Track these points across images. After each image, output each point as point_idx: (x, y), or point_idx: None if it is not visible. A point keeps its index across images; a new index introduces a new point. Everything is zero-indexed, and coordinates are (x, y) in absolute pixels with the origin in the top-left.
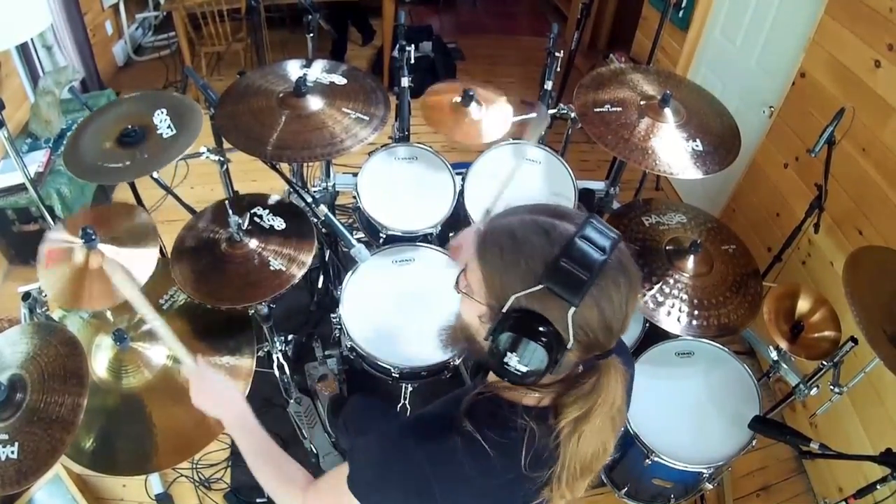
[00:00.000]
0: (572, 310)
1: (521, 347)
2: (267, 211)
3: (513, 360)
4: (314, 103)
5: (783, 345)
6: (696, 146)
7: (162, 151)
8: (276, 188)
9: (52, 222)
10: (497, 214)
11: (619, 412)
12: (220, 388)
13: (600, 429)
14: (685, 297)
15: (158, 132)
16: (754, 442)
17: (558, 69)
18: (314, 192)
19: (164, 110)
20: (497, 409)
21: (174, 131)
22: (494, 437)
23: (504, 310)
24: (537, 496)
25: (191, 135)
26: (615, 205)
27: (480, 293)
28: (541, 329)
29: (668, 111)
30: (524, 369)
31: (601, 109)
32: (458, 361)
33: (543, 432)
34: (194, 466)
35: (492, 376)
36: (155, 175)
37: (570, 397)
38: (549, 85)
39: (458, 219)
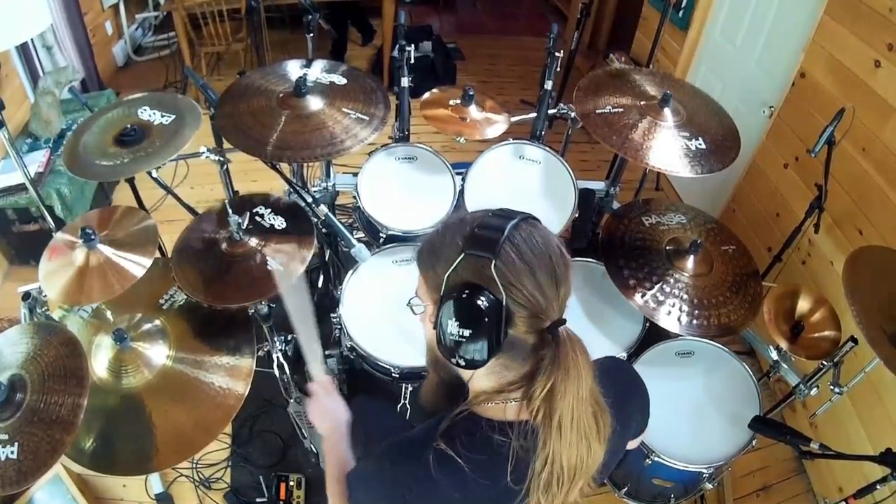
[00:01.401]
0: (493, 263)
1: (459, 311)
2: (268, 210)
3: (454, 328)
4: (314, 103)
5: (783, 345)
6: (699, 145)
7: (162, 146)
8: (276, 188)
9: (52, 222)
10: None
11: (596, 403)
12: (334, 406)
13: (579, 414)
14: (685, 296)
15: (155, 124)
16: (754, 442)
17: (558, 69)
18: (314, 192)
19: (146, 107)
20: (475, 427)
21: (171, 116)
22: (471, 455)
23: (442, 293)
24: None
25: (189, 121)
26: (615, 205)
27: (426, 296)
28: (474, 292)
29: (667, 111)
30: (467, 333)
31: (603, 111)
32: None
33: (524, 443)
34: (194, 466)
35: (471, 393)
36: (155, 175)
37: (536, 380)
38: (549, 85)
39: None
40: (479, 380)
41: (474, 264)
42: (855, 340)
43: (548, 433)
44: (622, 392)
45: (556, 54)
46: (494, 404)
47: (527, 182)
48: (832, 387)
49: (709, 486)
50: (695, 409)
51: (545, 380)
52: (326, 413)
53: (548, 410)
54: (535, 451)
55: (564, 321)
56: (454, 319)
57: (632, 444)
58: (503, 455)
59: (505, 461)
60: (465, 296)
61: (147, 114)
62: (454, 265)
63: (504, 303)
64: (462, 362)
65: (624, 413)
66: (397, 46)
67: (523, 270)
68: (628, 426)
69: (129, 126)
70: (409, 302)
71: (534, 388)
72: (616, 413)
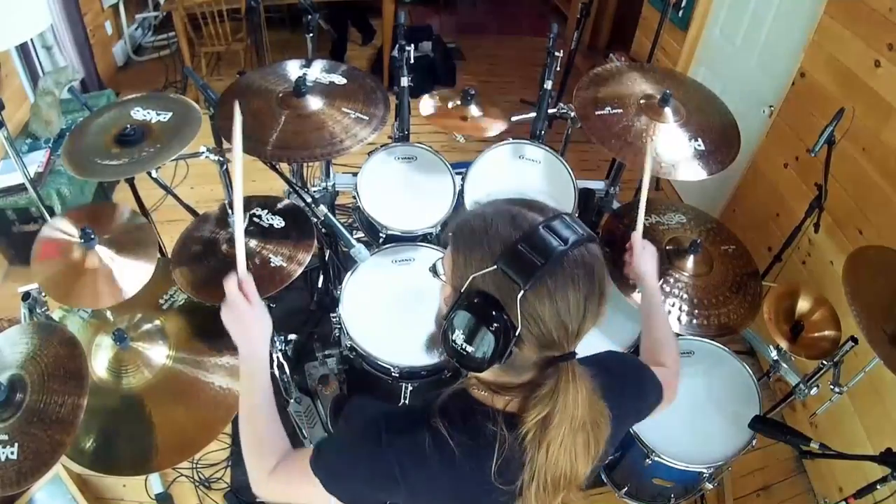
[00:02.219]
0: (521, 293)
1: (469, 326)
2: (266, 211)
3: (459, 339)
4: (314, 103)
5: (783, 344)
6: (698, 146)
7: (163, 146)
8: (275, 188)
9: None
10: (478, 202)
11: (592, 430)
12: (255, 314)
13: (566, 442)
14: (685, 296)
15: (153, 122)
16: (754, 442)
17: (558, 69)
18: (314, 192)
19: (139, 108)
20: (469, 410)
21: (168, 113)
22: (463, 438)
23: (462, 290)
24: None
25: (190, 120)
26: (615, 205)
27: (449, 275)
28: (491, 311)
29: (667, 111)
30: (470, 349)
31: (602, 112)
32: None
33: (512, 440)
34: (194, 466)
35: (463, 373)
36: (155, 175)
37: (532, 401)
38: (549, 85)
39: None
40: (490, 371)
41: (503, 281)
42: (855, 340)
43: (535, 451)
44: (624, 385)
45: (556, 54)
46: (486, 392)
47: (527, 182)
48: (832, 386)
49: (709, 485)
50: (695, 409)
51: (541, 408)
52: (244, 323)
53: (537, 433)
54: (523, 462)
55: (574, 354)
56: (461, 331)
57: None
58: (490, 445)
59: (491, 451)
60: (480, 313)
61: (141, 114)
62: (483, 272)
63: (518, 332)
64: (458, 365)
65: (625, 407)
66: (397, 46)
67: (550, 308)
68: (635, 414)
69: (128, 126)
70: (434, 264)
71: (528, 412)
72: (617, 409)
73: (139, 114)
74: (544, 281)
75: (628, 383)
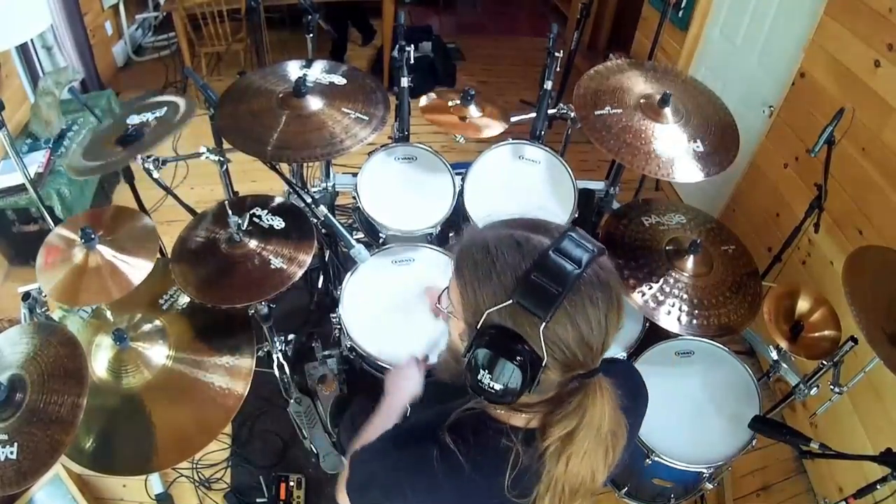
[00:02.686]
0: (543, 325)
1: (494, 365)
2: (266, 211)
3: (486, 378)
4: (314, 103)
5: (783, 344)
6: (697, 147)
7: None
8: (276, 188)
9: (51, 222)
10: (475, 228)
11: (610, 439)
12: (413, 379)
13: (588, 454)
14: (685, 296)
15: (147, 121)
16: (754, 442)
17: (558, 69)
18: (314, 192)
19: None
20: (482, 426)
21: (162, 111)
22: (473, 454)
23: (478, 326)
24: None
25: (179, 109)
26: (615, 205)
27: (459, 310)
28: (514, 346)
29: (667, 111)
30: (498, 387)
31: (602, 112)
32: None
33: (529, 454)
34: (194, 466)
35: None
36: (155, 175)
37: (556, 416)
38: (549, 85)
39: (457, 219)
40: None
41: (521, 315)
42: (855, 340)
43: (553, 464)
44: (638, 408)
45: (556, 54)
46: (504, 410)
47: (526, 182)
48: (832, 386)
49: (709, 486)
50: (695, 409)
51: (566, 423)
52: (402, 380)
53: (559, 448)
54: (540, 473)
55: (599, 370)
56: (487, 371)
57: None
58: (504, 459)
59: (505, 465)
60: (502, 349)
61: (134, 119)
62: (499, 307)
63: (545, 363)
64: (487, 400)
65: (635, 426)
66: (397, 46)
67: (573, 331)
68: (634, 436)
69: (129, 127)
70: (439, 297)
71: (552, 427)
72: (632, 418)
73: (135, 119)
74: (564, 308)
75: (640, 393)
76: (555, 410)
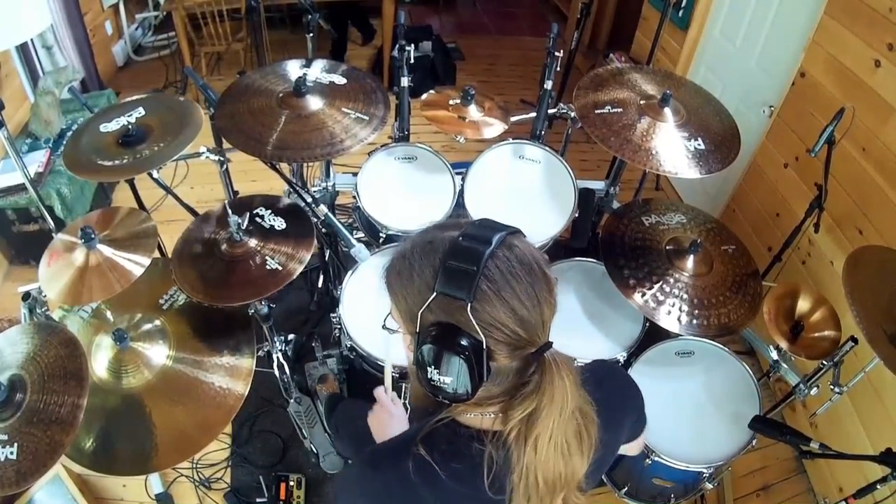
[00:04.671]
0: (469, 306)
1: (440, 359)
2: (269, 211)
3: (434, 374)
4: (314, 103)
5: (783, 344)
6: (698, 145)
7: (164, 147)
8: (276, 188)
9: (51, 222)
10: (395, 247)
11: (580, 418)
12: (394, 421)
13: (558, 435)
14: (685, 296)
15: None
16: (754, 442)
17: (558, 69)
18: (314, 192)
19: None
20: (453, 435)
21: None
22: (448, 462)
23: (417, 330)
24: None
25: (191, 122)
26: (615, 204)
27: (401, 324)
28: (452, 336)
29: (667, 111)
30: (448, 380)
31: (602, 111)
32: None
33: (500, 453)
34: (194, 466)
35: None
36: (155, 175)
37: (516, 400)
38: (548, 85)
39: (457, 219)
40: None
41: (448, 303)
42: (855, 340)
43: (521, 450)
44: (612, 398)
45: (556, 54)
46: (472, 415)
47: (527, 182)
48: (832, 386)
49: (709, 485)
50: (695, 409)
51: (527, 404)
52: (386, 423)
53: (523, 430)
54: (511, 465)
55: (550, 344)
56: (433, 367)
57: (631, 450)
58: (479, 463)
59: (480, 469)
60: (442, 341)
61: (111, 126)
62: (427, 304)
63: (485, 345)
64: (446, 400)
65: (613, 419)
66: (397, 46)
67: (503, 308)
68: (619, 431)
69: (129, 127)
70: (384, 322)
71: (513, 410)
72: (604, 420)
73: (110, 125)
74: (485, 289)
75: (629, 384)
76: (514, 397)
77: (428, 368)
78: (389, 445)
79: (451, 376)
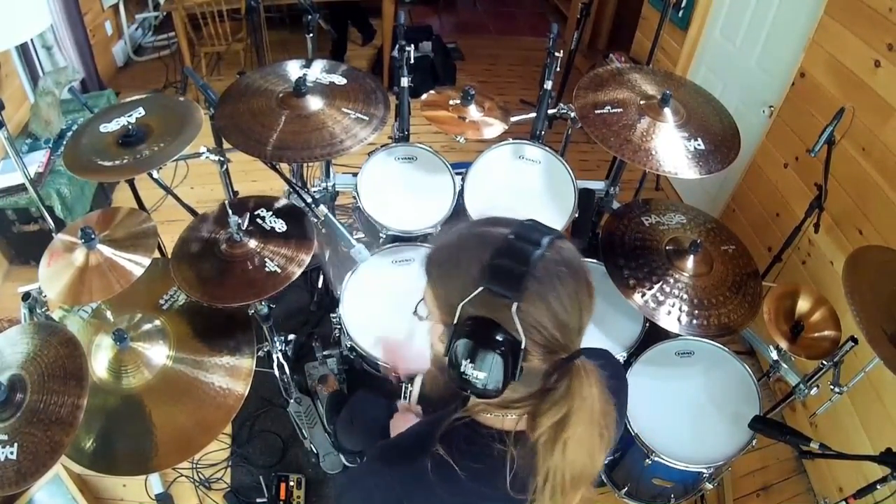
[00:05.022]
0: (515, 305)
1: (476, 354)
2: (270, 213)
3: (469, 369)
4: (314, 103)
5: (783, 345)
6: (698, 145)
7: (164, 148)
8: (276, 188)
9: (51, 222)
10: (437, 236)
11: (603, 420)
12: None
13: (585, 437)
14: (685, 296)
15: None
16: (754, 442)
17: (558, 69)
18: (314, 192)
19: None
20: (473, 435)
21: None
22: (468, 462)
23: (455, 322)
24: None
25: (191, 122)
26: (615, 205)
27: (435, 313)
28: (491, 332)
29: (667, 111)
30: (482, 376)
31: (602, 111)
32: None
33: (523, 454)
34: (194, 466)
35: (471, 401)
36: (155, 175)
37: (545, 405)
38: (548, 85)
39: (457, 218)
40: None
41: (493, 300)
42: (855, 340)
43: (549, 452)
44: (618, 382)
45: (556, 54)
46: (493, 415)
47: (527, 182)
48: (832, 386)
49: (709, 486)
50: (695, 409)
51: (557, 410)
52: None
53: (553, 435)
54: (536, 466)
55: (581, 352)
56: (468, 360)
57: None
58: (501, 464)
59: (503, 469)
60: (481, 336)
61: (111, 126)
62: (470, 297)
63: (523, 345)
64: (475, 395)
65: (620, 412)
66: (397, 46)
67: (546, 311)
68: (621, 424)
69: (129, 126)
70: (416, 308)
71: (542, 415)
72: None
73: (108, 127)
74: (532, 290)
75: (620, 374)
76: (543, 401)
77: (462, 362)
78: (404, 442)
79: (485, 372)
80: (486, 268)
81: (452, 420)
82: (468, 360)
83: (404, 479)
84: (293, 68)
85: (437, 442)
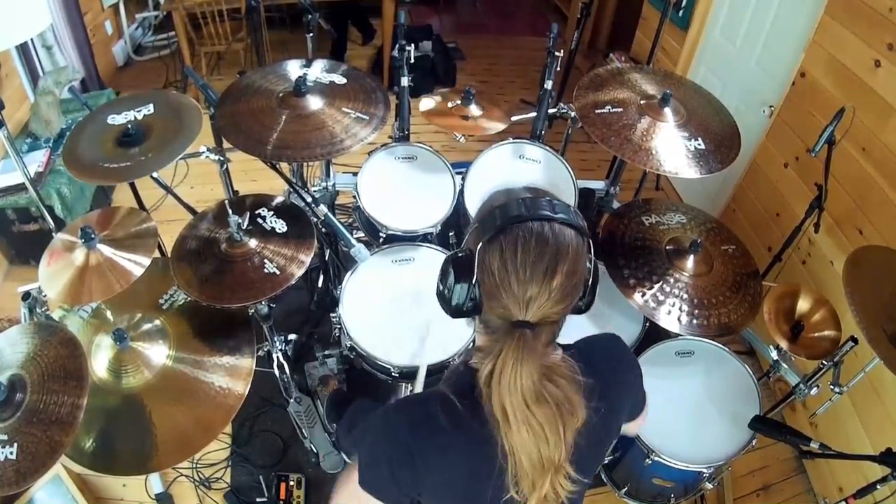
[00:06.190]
0: (479, 244)
1: (449, 274)
2: (271, 213)
3: (440, 286)
4: (314, 103)
5: (783, 344)
6: (698, 145)
7: (164, 149)
8: (276, 188)
9: (51, 222)
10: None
11: (552, 406)
12: None
13: (519, 410)
14: (685, 296)
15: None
16: (754, 442)
17: (558, 69)
18: (314, 191)
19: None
20: (467, 375)
21: (150, 105)
22: (464, 400)
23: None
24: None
25: (191, 122)
26: (615, 204)
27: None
28: (464, 262)
29: (668, 110)
30: (441, 288)
31: (602, 111)
32: (457, 360)
33: (487, 393)
34: (194, 466)
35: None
36: (155, 175)
37: (487, 358)
38: (549, 85)
39: (457, 218)
40: (477, 336)
41: (475, 236)
42: (855, 340)
43: (495, 422)
44: (604, 378)
45: (556, 54)
46: (476, 360)
47: (527, 181)
48: (832, 386)
49: (709, 485)
50: (695, 409)
51: (490, 363)
52: None
53: (489, 394)
54: (497, 440)
55: (531, 325)
56: (441, 277)
57: (631, 429)
58: (480, 403)
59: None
60: (457, 263)
61: (119, 119)
62: (471, 228)
63: (474, 282)
64: (444, 310)
65: (607, 398)
66: (397, 46)
67: (499, 262)
68: (618, 412)
69: (129, 126)
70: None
71: (484, 367)
72: (601, 396)
73: (116, 119)
74: (499, 237)
75: (621, 360)
76: (483, 353)
77: (440, 280)
78: (408, 396)
79: (446, 287)
80: (487, 212)
81: (454, 367)
82: (441, 277)
83: (411, 418)
84: (293, 68)
85: (443, 383)
